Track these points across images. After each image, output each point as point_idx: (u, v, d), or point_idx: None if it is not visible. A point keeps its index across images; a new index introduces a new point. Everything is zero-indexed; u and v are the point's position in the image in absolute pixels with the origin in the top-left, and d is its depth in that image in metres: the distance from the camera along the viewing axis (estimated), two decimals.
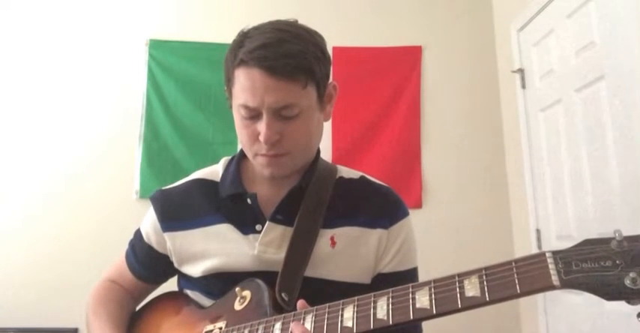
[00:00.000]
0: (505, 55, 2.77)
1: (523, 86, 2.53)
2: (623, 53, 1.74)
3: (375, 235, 0.93)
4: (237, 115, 0.88)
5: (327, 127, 2.84)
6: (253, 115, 0.85)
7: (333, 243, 0.91)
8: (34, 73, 2.82)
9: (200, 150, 2.72)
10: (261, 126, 0.84)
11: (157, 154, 2.74)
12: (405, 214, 0.98)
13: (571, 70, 2.09)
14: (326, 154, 2.71)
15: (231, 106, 0.92)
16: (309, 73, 0.84)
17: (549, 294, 2.27)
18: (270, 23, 0.88)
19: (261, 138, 0.84)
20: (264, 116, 0.83)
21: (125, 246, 1.08)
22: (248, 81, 0.82)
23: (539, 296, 2.33)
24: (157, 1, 2.96)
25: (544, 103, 2.33)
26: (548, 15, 2.27)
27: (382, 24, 2.96)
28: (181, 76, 2.82)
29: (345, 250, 0.91)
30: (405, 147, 2.79)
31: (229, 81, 0.87)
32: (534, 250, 2.37)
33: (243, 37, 0.86)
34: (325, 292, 0.79)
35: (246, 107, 0.84)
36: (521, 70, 2.54)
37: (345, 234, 0.92)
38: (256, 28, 0.86)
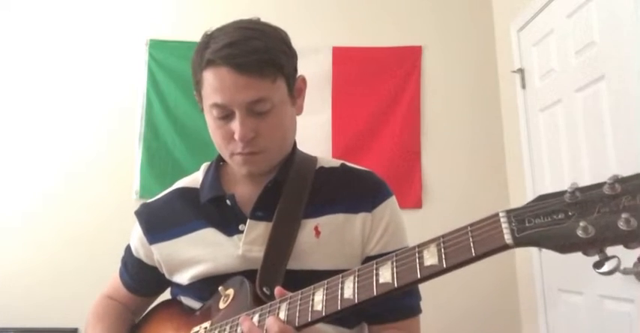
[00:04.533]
0: (505, 55, 2.78)
1: (523, 86, 2.53)
2: (623, 53, 1.74)
3: (358, 219, 0.92)
4: (210, 117, 0.88)
5: (327, 127, 2.88)
6: (226, 114, 0.85)
7: (318, 233, 0.91)
8: (34, 73, 2.82)
9: (200, 150, 2.72)
10: (235, 124, 0.84)
11: (156, 154, 2.74)
12: (388, 194, 0.97)
13: (571, 70, 2.09)
14: (326, 154, 2.72)
15: (202, 110, 0.92)
16: (277, 67, 0.85)
17: (549, 294, 2.27)
18: (234, 23, 0.89)
19: (237, 136, 0.84)
20: (237, 114, 0.84)
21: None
22: (217, 80, 0.83)
23: (539, 296, 2.34)
24: (157, 1, 2.96)
25: (544, 103, 2.33)
26: (548, 15, 2.27)
27: (382, 24, 2.96)
28: (181, 76, 2.81)
29: (330, 239, 0.91)
30: (405, 147, 2.79)
31: (198, 83, 0.88)
32: (534, 250, 2.37)
33: (208, 38, 0.87)
34: (311, 283, 0.77)
35: (217, 106, 0.84)
36: (521, 70, 2.54)
37: (329, 222, 0.92)
38: (220, 29, 0.87)
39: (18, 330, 2.50)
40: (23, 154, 2.74)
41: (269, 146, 0.88)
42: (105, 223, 2.61)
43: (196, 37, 2.92)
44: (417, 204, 2.71)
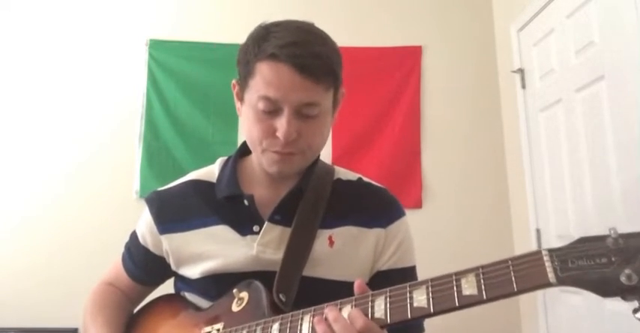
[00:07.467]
0: (505, 55, 2.78)
1: (523, 86, 2.53)
2: (623, 53, 1.74)
3: (372, 234, 0.94)
4: (252, 109, 0.86)
5: None
6: (273, 109, 0.83)
7: (332, 243, 0.91)
8: (34, 73, 2.82)
9: (200, 150, 2.72)
10: (281, 122, 0.83)
11: (156, 154, 2.74)
12: (402, 213, 0.99)
13: (571, 70, 2.09)
14: (326, 153, 2.70)
15: (240, 99, 0.91)
16: (334, 76, 0.85)
17: (549, 294, 2.27)
18: (292, 22, 0.88)
19: (280, 134, 0.83)
20: (286, 112, 0.83)
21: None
22: (275, 75, 0.81)
23: (540, 296, 2.34)
24: (157, 1, 2.96)
25: (544, 103, 2.33)
26: (548, 15, 2.27)
27: (382, 24, 2.96)
28: (181, 76, 2.81)
29: (343, 250, 0.92)
30: (405, 147, 2.79)
31: (249, 73, 0.85)
32: None
33: (266, 31, 0.85)
34: (324, 292, 0.78)
35: (267, 99, 0.82)
36: (521, 70, 2.54)
37: (343, 233, 0.92)
38: (278, 25, 0.86)
39: (18, 330, 2.50)
40: (23, 154, 2.74)
41: (306, 150, 0.88)
42: (105, 222, 2.61)
43: (196, 37, 2.89)
44: (417, 204, 2.72)
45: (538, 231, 2.38)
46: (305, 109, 0.83)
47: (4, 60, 2.82)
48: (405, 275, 0.95)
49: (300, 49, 0.81)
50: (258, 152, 0.89)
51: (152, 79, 2.81)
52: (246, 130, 0.90)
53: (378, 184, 1.03)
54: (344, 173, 1.03)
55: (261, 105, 0.83)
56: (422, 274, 0.98)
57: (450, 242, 2.68)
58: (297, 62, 0.80)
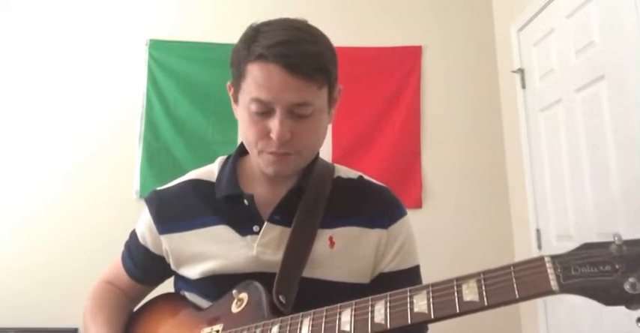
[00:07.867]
0: (505, 55, 2.78)
1: (523, 86, 2.53)
2: (623, 53, 1.74)
3: (374, 234, 0.93)
4: (245, 111, 0.85)
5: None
6: (265, 110, 0.83)
7: (332, 243, 0.90)
8: (34, 73, 2.82)
9: (200, 150, 2.72)
10: (274, 123, 0.82)
11: (156, 154, 2.74)
12: (404, 213, 0.98)
13: (571, 70, 2.09)
14: (326, 153, 2.72)
15: (235, 101, 0.90)
16: (326, 74, 0.84)
17: None
18: (283, 21, 0.86)
19: (274, 135, 0.82)
20: (278, 113, 0.82)
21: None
22: (264, 76, 0.80)
23: None
24: (157, 1, 2.96)
25: (544, 103, 2.33)
26: (548, 15, 2.27)
27: (382, 24, 2.96)
28: (181, 76, 2.82)
29: (344, 250, 0.91)
30: (405, 147, 2.79)
31: (240, 75, 0.85)
32: (534, 250, 2.37)
33: (256, 31, 0.84)
34: (324, 293, 0.77)
35: (259, 101, 0.82)
36: (521, 70, 2.54)
37: (344, 234, 0.91)
38: (268, 24, 0.85)
39: (18, 330, 2.50)
40: (23, 154, 2.74)
41: (302, 149, 0.87)
42: (105, 223, 2.61)
43: (196, 37, 2.88)
44: (417, 204, 2.72)
45: (538, 231, 2.38)
46: (297, 109, 0.82)
47: (4, 60, 2.82)
48: (409, 276, 0.94)
49: (289, 48, 0.80)
50: (255, 154, 0.89)
51: (152, 79, 2.81)
52: (242, 131, 0.89)
53: (380, 183, 1.02)
54: (344, 171, 1.02)
55: (253, 107, 0.83)
56: (422, 274, 0.98)
57: (449, 242, 2.68)
58: (286, 62, 0.79)
